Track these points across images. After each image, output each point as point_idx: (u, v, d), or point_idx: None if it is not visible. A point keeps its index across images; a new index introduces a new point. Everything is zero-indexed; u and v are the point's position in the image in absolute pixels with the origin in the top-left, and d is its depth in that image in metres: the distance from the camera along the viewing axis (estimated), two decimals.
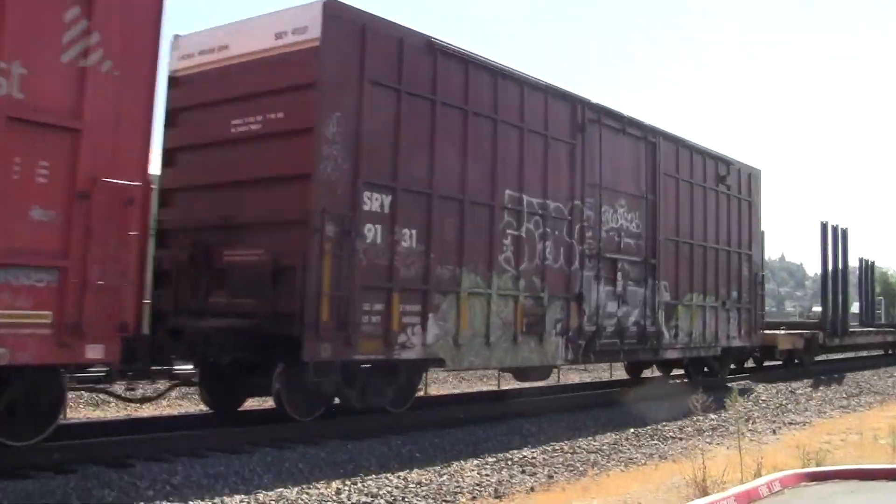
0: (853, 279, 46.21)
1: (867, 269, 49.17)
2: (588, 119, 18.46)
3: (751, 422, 18.06)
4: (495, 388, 23.08)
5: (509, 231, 16.12)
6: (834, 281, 36.38)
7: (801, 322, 42.21)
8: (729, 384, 22.99)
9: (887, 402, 23.57)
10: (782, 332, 30.84)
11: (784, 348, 29.58)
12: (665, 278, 21.04)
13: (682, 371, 25.02)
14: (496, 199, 15.84)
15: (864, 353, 43.29)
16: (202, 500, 9.76)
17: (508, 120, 16.24)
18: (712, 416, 18.14)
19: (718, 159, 24.19)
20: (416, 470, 11.92)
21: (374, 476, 11.37)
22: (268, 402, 17.09)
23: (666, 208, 21.27)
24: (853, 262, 42.42)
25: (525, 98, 16.72)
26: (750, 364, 31.39)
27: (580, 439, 15.06)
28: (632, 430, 16.33)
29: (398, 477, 11.42)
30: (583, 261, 18.04)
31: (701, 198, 23.05)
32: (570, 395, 20.82)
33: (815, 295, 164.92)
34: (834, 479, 12.20)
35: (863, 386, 27.77)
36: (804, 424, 18.39)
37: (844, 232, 37.34)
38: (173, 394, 19.26)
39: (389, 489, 10.74)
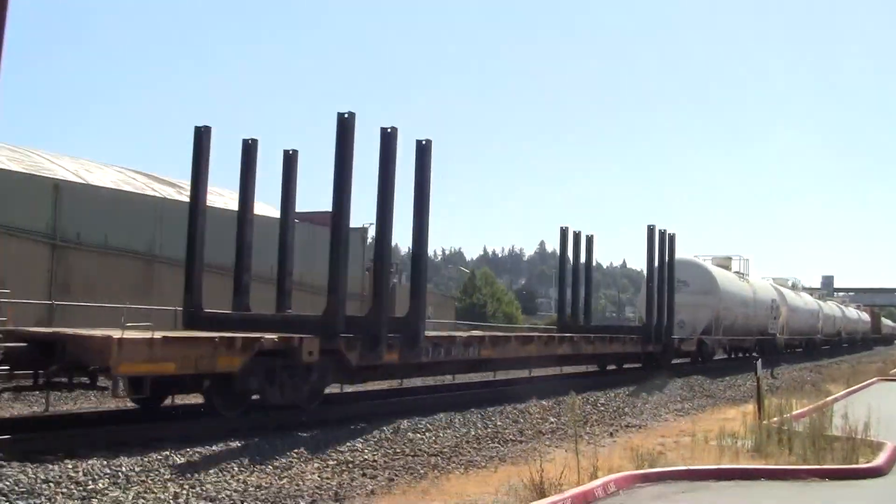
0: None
1: (574, 241, 33.55)
2: None
3: (589, 425, 18.45)
4: (338, 390, 22.98)
5: None
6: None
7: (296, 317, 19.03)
8: None
9: (719, 405, 24.40)
10: None
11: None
12: None
13: None
14: None
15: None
16: None
17: None
18: (552, 419, 18.49)
19: None
20: (255, 473, 11.80)
21: (213, 480, 11.21)
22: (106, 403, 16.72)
23: None
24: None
25: None
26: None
27: (421, 442, 15.14)
28: (473, 433, 16.50)
29: (237, 480, 11.29)
30: None
31: None
32: (415, 398, 20.89)
33: None
34: (666, 480, 12.63)
35: (696, 389, 28.72)
36: (640, 428, 18.89)
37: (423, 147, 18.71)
38: None
39: (229, 493, 10.61)
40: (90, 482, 10.54)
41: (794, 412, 18.92)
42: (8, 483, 10.09)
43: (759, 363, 19.87)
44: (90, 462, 11.44)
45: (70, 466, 11.09)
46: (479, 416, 18.36)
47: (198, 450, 12.82)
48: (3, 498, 9.60)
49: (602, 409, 21.75)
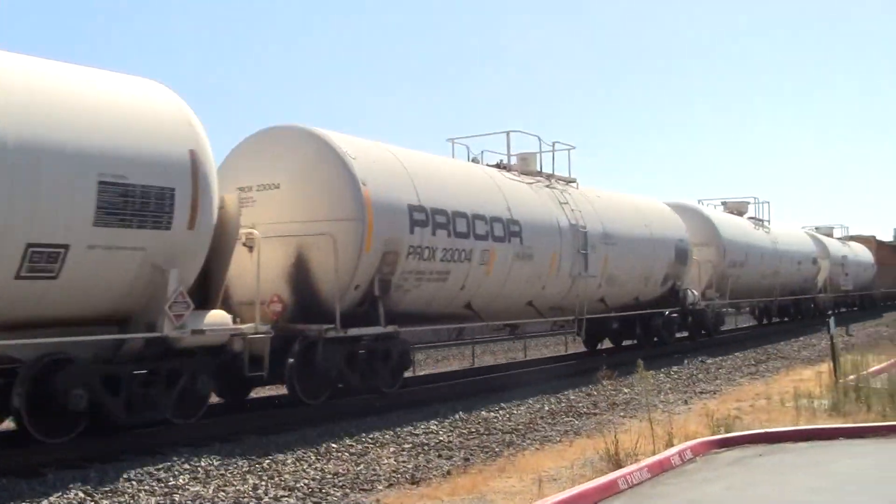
0: None
1: None
2: None
3: (662, 393, 18.36)
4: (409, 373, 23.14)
5: None
6: None
7: None
8: None
9: (793, 366, 24.13)
10: None
11: None
12: None
13: None
14: None
15: None
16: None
17: None
18: (625, 390, 18.44)
19: None
20: (332, 461, 11.92)
21: (291, 470, 11.34)
22: None
23: None
24: None
25: None
26: None
27: (495, 420, 15.19)
28: (546, 408, 16.51)
29: (315, 469, 11.41)
30: None
31: None
32: (485, 377, 20.97)
33: None
34: (743, 444, 12.54)
35: (770, 352, 28.49)
36: (714, 393, 18.76)
37: None
38: None
39: (307, 482, 10.73)
40: (171, 478, 10.73)
41: (872, 369, 18.68)
42: (91, 483, 10.33)
43: (831, 321, 19.62)
44: (171, 459, 11.68)
45: (150, 463, 11.33)
46: (551, 389, 18.42)
47: (276, 440, 13.07)
48: (89, 498, 9.81)
49: (675, 376, 21.64)
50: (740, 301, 36.93)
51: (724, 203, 38.49)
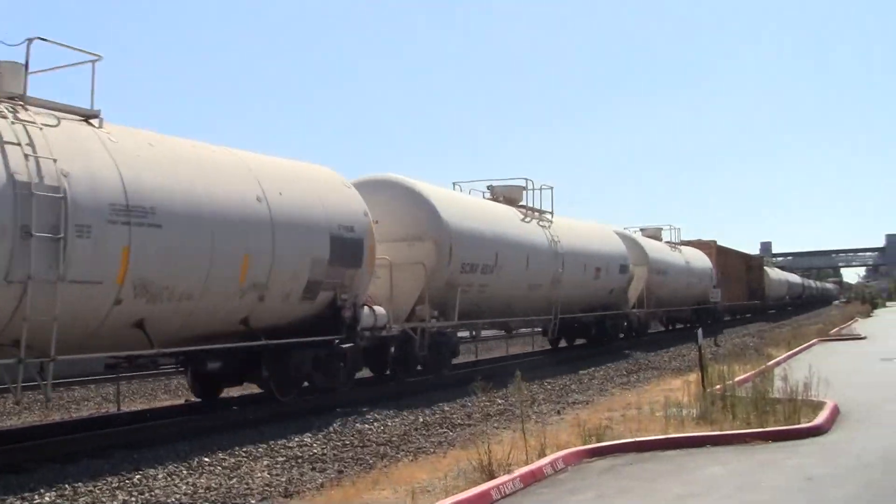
0: None
1: None
2: None
3: (536, 404, 18.56)
4: None
5: None
6: None
7: None
8: None
9: (664, 376, 24.65)
10: None
11: None
12: None
13: None
14: None
15: None
16: None
17: None
18: (499, 401, 18.60)
19: None
20: (204, 475, 11.77)
21: (162, 485, 11.16)
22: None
23: None
24: None
25: None
26: None
27: (370, 432, 15.18)
28: (421, 419, 16.56)
29: (186, 483, 11.25)
30: None
31: None
32: (359, 390, 20.90)
33: None
34: (614, 453, 12.77)
35: (641, 363, 29.04)
36: (587, 403, 19.03)
37: None
38: None
39: (178, 496, 10.58)
40: (36, 497, 10.46)
41: (738, 378, 19.17)
42: None
43: (699, 332, 20.06)
44: (36, 476, 11.38)
45: (15, 482, 11.04)
46: (426, 402, 18.47)
47: (147, 455, 12.84)
48: None
49: (549, 387, 21.90)
50: (484, 321, 26.18)
51: (490, 188, 28.76)
